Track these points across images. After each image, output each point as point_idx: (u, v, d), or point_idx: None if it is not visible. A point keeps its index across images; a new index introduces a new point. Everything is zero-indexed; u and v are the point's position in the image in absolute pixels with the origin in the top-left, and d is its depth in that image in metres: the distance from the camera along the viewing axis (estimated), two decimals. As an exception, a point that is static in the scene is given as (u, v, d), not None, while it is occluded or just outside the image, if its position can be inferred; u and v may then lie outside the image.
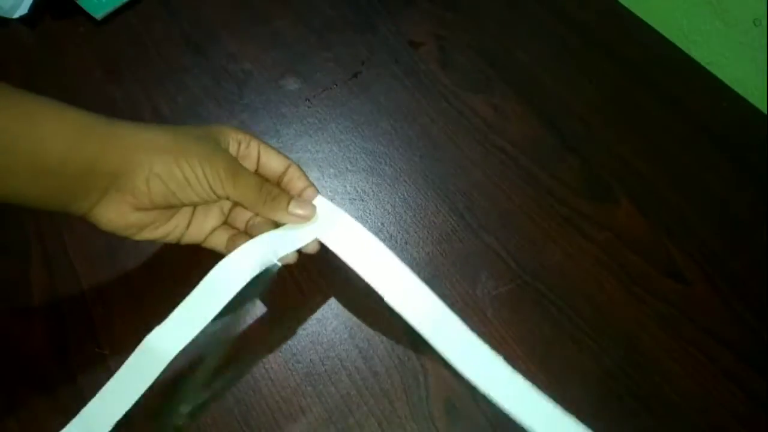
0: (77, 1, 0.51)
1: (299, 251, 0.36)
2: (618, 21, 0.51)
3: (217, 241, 0.36)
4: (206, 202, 0.34)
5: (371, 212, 0.41)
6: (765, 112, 0.46)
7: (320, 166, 0.43)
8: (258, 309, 0.37)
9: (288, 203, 0.35)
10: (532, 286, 0.38)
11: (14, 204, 0.30)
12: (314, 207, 0.36)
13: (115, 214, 0.32)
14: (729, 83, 0.47)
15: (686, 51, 0.49)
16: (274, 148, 0.36)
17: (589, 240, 0.40)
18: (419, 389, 0.34)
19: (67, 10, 0.51)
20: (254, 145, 0.36)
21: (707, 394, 0.34)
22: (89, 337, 0.36)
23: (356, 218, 0.36)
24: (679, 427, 0.33)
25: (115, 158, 0.31)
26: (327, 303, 0.37)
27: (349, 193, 0.42)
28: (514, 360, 0.34)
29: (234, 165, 0.33)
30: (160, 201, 0.32)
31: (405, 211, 0.41)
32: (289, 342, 0.36)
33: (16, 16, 0.51)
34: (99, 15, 0.51)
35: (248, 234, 0.36)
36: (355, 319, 0.37)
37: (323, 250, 0.36)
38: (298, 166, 0.37)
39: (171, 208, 0.34)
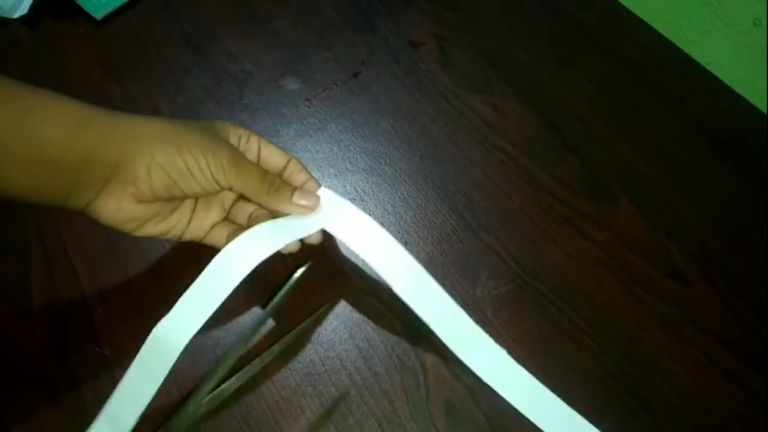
0: (77, 1, 0.51)
1: (302, 241, 0.36)
2: (618, 21, 0.51)
3: (218, 237, 0.36)
4: (208, 193, 0.34)
5: (371, 212, 0.41)
6: (765, 112, 0.46)
7: (320, 166, 0.43)
8: (258, 309, 0.37)
9: (292, 194, 0.35)
10: (532, 286, 0.38)
11: (13, 199, 0.30)
12: (318, 198, 0.36)
13: (116, 207, 0.32)
14: (729, 83, 0.47)
15: (686, 51, 0.49)
16: (274, 144, 0.36)
17: (589, 240, 0.40)
18: (419, 389, 0.34)
19: (67, 10, 0.51)
20: (254, 140, 0.36)
21: (707, 394, 0.34)
22: (89, 337, 0.36)
23: (356, 218, 0.36)
24: (679, 427, 0.33)
25: (115, 148, 0.30)
26: (327, 303, 0.37)
27: (349, 193, 0.42)
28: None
29: (236, 155, 0.33)
30: (161, 192, 0.32)
31: (405, 211, 0.41)
32: (290, 342, 0.36)
33: (16, 16, 0.51)
34: (99, 15, 0.51)
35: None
36: (355, 319, 0.37)
37: (324, 250, 0.36)
38: (299, 161, 0.37)
39: (173, 200, 0.34)
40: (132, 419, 0.30)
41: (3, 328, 0.36)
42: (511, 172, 0.43)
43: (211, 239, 0.36)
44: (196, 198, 0.36)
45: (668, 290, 0.38)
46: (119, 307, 0.37)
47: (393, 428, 0.33)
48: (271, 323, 0.36)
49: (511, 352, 0.35)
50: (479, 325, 0.35)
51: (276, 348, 0.35)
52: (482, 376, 0.33)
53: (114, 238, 0.39)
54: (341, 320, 0.37)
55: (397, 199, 0.41)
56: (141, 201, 0.32)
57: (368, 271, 0.38)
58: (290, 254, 0.36)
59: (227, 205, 0.37)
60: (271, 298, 0.36)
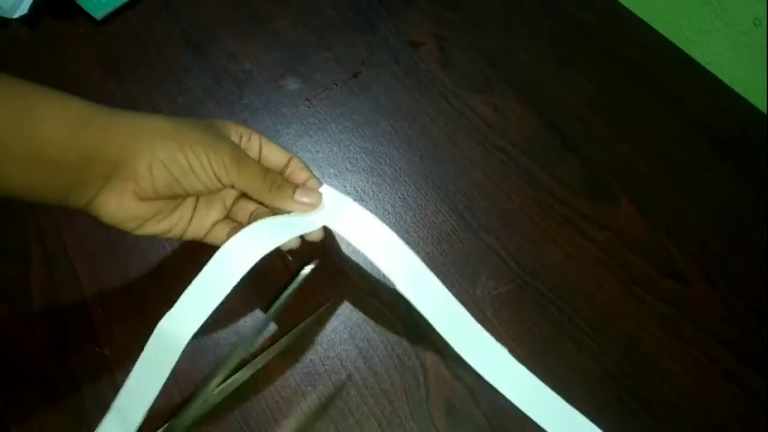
0: (77, 1, 0.51)
1: (302, 238, 0.36)
2: (618, 21, 0.51)
3: (219, 235, 0.36)
4: (210, 191, 0.34)
5: (371, 212, 0.41)
6: (765, 112, 0.46)
7: (320, 166, 0.43)
8: (260, 313, 0.37)
9: (294, 191, 0.35)
10: (532, 286, 0.38)
11: (13, 198, 0.30)
12: (320, 195, 0.36)
13: (117, 204, 0.32)
14: (729, 83, 0.47)
15: (686, 51, 0.49)
16: (275, 142, 0.36)
17: (589, 240, 0.40)
18: (419, 389, 0.34)
19: (67, 10, 0.51)
20: (255, 138, 0.36)
21: (707, 394, 0.34)
22: (89, 337, 0.36)
23: (356, 218, 0.36)
24: (679, 427, 0.33)
25: (116, 146, 0.30)
26: (327, 302, 0.37)
27: (349, 193, 0.42)
28: (514, 360, 0.34)
29: (238, 152, 0.33)
30: (163, 189, 0.32)
31: (405, 211, 0.41)
32: (290, 342, 0.36)
33: (16, 16, 0.51)
34: (99, 15, 0.51)
35: None
36: (355, 319, 0.37)
37: (324, 249, 0.36)
38: (300, 159, 0.37)
39: (174, 198, 0.34)
40: (140, 415, 0.30)
41: (3, 328, 0.36)
42: (511, 172, 0.43)
43: (213, 238, 0.36)
44: (197, 196, 0.36)
45: (668, 290, 0.38)
46: (119, 307, 0.37)
47: (393, 428, 0.33)
48: (273, 327, 0.36)
49: (512, 352, 0.35)
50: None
51: (276, 348, 0.35)
52: (483, 373, 0.34)
53: (114, 238, 0.39)
54: (341, 320, 0.37)
55: (397, 199, 0.41)
56: (142, 198, 0.32)
57: (369, 271, 0.38)
58: (290, 255, 0.36)
59: (228, 203, 0.37)
60: (272, 300, 0.36)
